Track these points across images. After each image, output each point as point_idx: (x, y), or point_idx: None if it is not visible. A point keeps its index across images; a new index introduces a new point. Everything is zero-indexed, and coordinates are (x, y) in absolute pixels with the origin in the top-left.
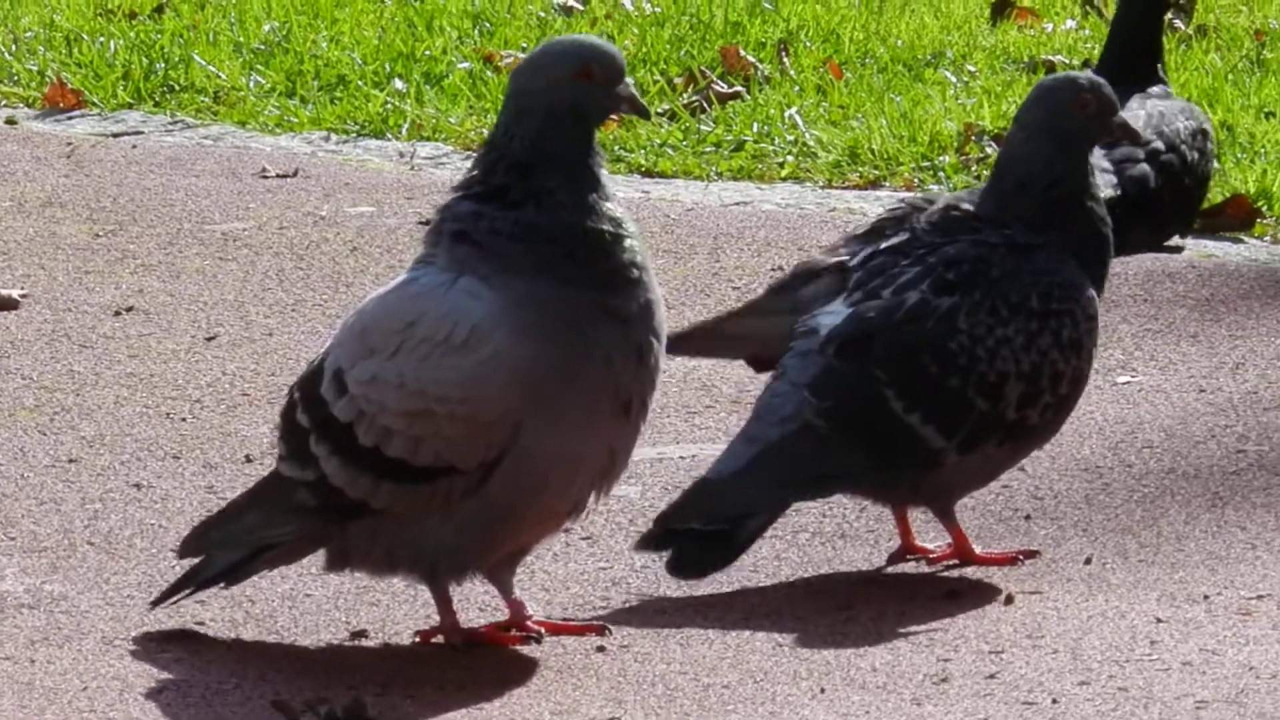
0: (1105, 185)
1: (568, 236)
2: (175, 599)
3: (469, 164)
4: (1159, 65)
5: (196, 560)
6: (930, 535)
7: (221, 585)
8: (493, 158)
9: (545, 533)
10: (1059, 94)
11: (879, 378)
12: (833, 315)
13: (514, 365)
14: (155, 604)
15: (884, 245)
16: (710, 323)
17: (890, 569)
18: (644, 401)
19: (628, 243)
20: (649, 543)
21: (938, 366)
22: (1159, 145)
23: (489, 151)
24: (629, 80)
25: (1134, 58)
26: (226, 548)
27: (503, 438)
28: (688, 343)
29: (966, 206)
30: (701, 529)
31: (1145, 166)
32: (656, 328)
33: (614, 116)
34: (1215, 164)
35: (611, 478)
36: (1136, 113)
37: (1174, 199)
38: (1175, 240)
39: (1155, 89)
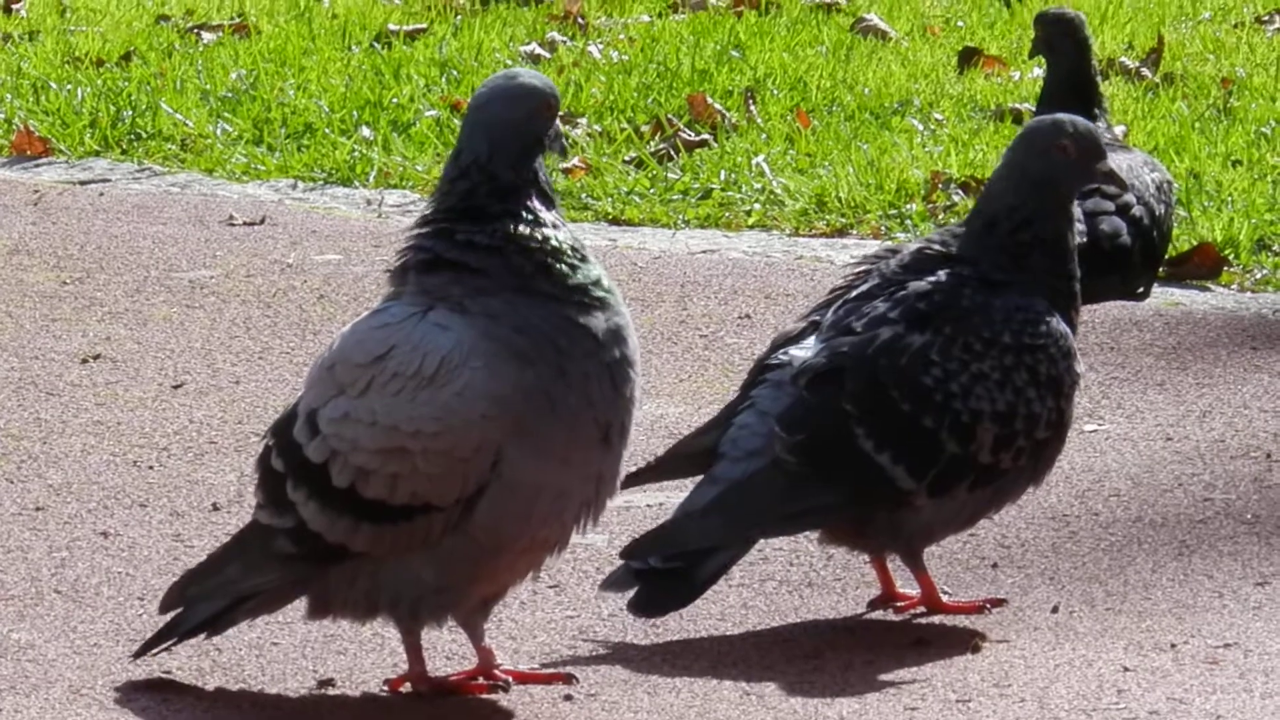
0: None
1: (540, 248)
2: (156, 650)
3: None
4: (1098, 110)
5: (176, 612)
6: (905, 583)
7: (204, 635)
8: (471, 179)
9: (530, 566)
10: (1039, 136)
11: (849, 412)
12: (805, 349)
13: (489, 394)
14: (137, 656)
15: (854, 294)
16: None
17: (858, 617)
18: (624, 426)
19: (592, 263)
20: (613, 584)
21: (910, 404)
22: (1129, 199)
23: (463, 174)
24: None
25: (1070, 104)
26: (207, 599)
27: (481, 471)
28: (667, 465)
29: (938, 246)
30: (662, 566)
31: (1118, 221)
32: (629, 353)
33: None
34: (1174, 215)
35: (598, 507)
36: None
37: (1143, 251)
38: (1140, 290)
39: (1112, 134)
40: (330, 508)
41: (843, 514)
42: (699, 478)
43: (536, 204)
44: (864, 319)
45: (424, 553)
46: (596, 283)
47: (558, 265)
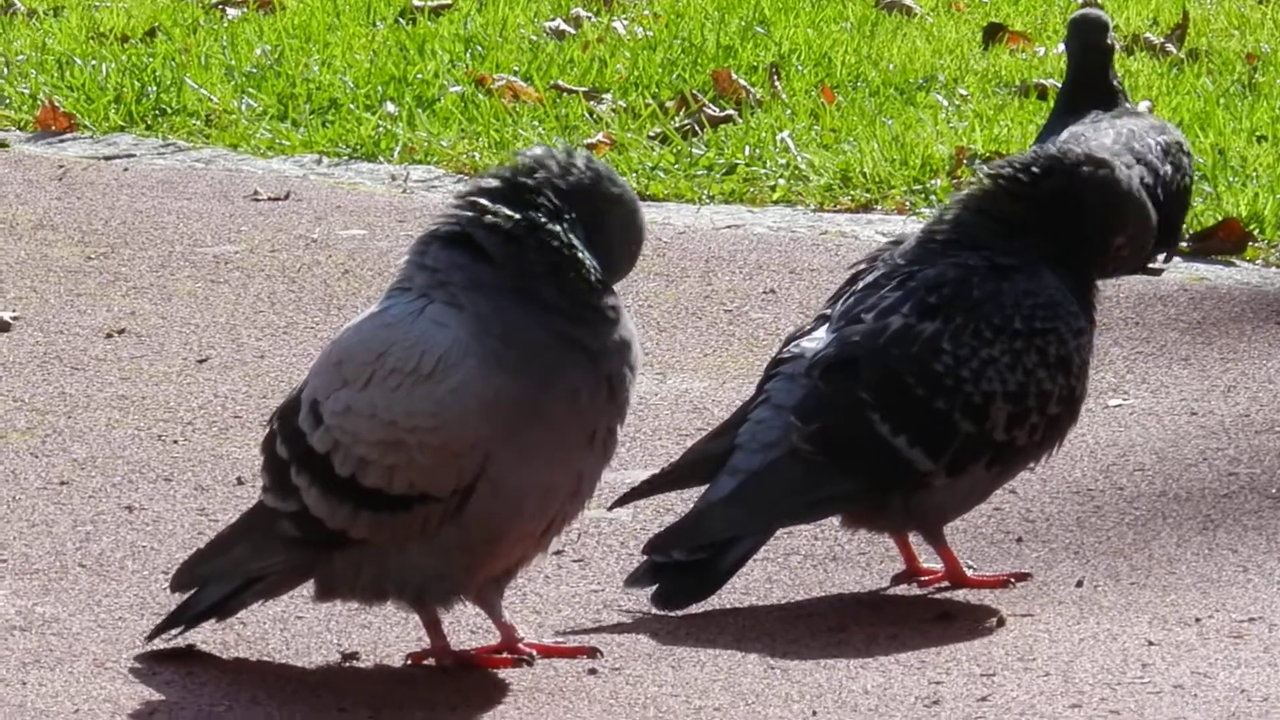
0: None
1: (561, 250)
2: (168, 634)
3: (462, 187)
4: (1118, 86)
5: (189, 593)
6: (928, 558)
7: (215, 619)
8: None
9: (524, 553)
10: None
11: (865, 400)
12: (817, 341)
13: (481, 395)
14: (149, 640)
15: (861, 285)
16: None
17: (882, 591)
18: (611, 430)
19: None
20: (639, 578)
21: (924, 389)
22: (1128, 159)
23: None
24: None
25: (1089, 84)
26: (217, 580)
27: (474, 465)
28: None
29: (943, 231)
30: (685, 559)
31: None
32: (631, 361)
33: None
34: (1190, 178)
35: (580, 500)
36: (1105, 131)
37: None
38: (1159, 261)
39: (1125, 106)
40: (332, 495)
41: (862, 500)
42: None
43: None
44: (874, 310)
45: (423, 542)
46: (610, 307)
47: (570, 275)
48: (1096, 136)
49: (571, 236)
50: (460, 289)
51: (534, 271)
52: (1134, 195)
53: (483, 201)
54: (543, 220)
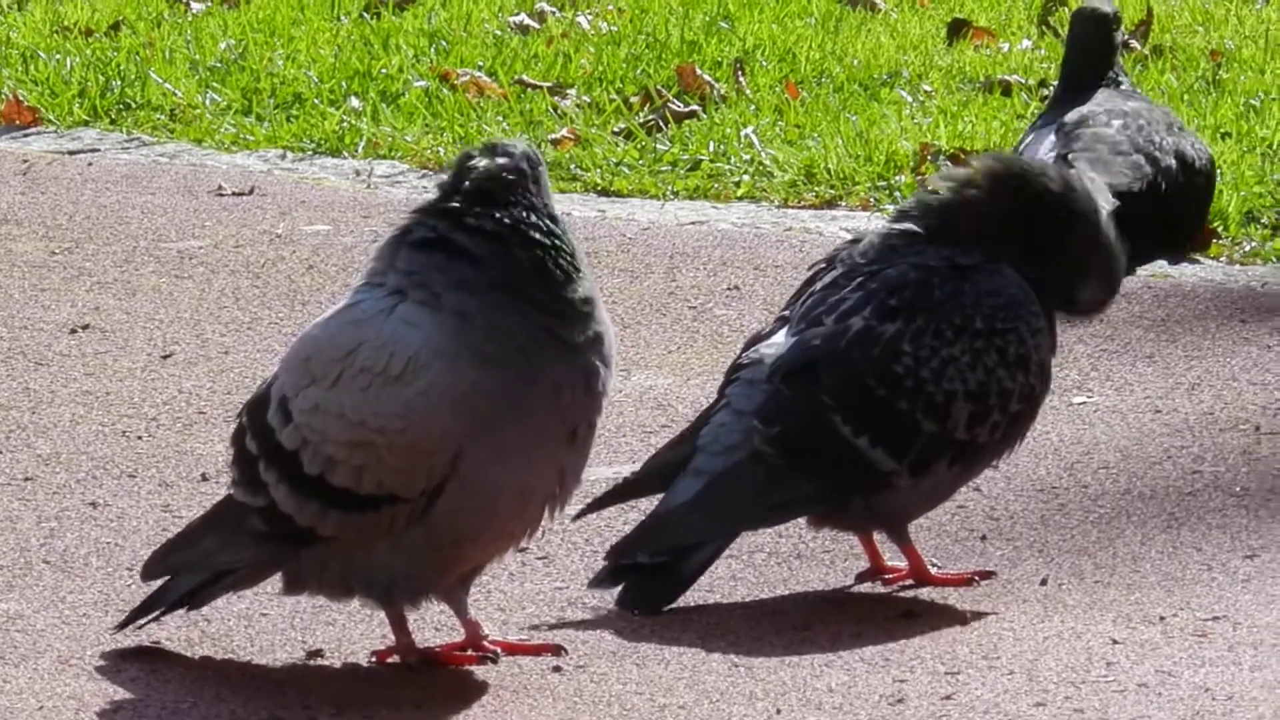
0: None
1: (539, 249)
2: (138, 624)
3: (424, 183)
4: (1117, 63)
5: (159, 583)
6: (893, 556)
7: (185, 609)
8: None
9: (499, 552)
10: None
11: (826, 403)
12: (776, 346)
13: (452, 395)
14: (119, 629)
15: (819, 285)
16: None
17: (846, 589)
18: (590, 424)
19: (584, 273)
20: (603, 580)
21: (885, 390)
22: (1137, 159)
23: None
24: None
25: (1091, 65)
26: (187, 571)
27: (443, 466)
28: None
29: (902, 227)
30: (648, 563)
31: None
32: (606, 355)
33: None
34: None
35: (563, 498)
36: (1111, 122)
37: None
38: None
39: (1124, 84)
40: (300, 492)
41: (825, 501)
42: None
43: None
44: (834, 312)
45: (389, 542)
46: (584, 300)
47: (554, 269)
48: (1099, 128)
49: (552, 225)
50: (443, 289)
51: (520, 268)
52: (1087, 212)
53: (460, 205)
54: (523, 215)
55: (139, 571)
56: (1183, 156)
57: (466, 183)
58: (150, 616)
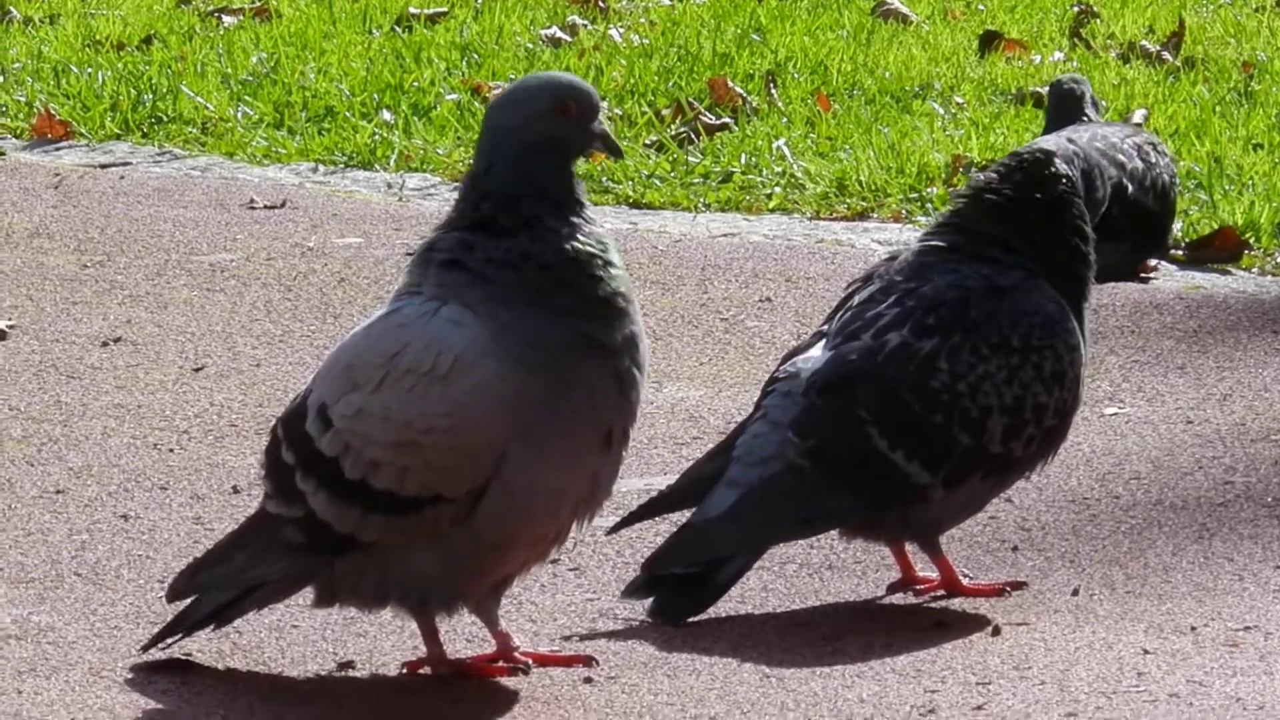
0: None
1: (560, 264)
2: (165, 644)
3: (455, 196)
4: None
5: (186, 602)
6: (924, 566)
7: (212, 627)
8: (477, 192)
9: (532, 560)
10: None
11: (862, 417)
12: (814, 360)
13: (499, 394)
14: (145, 649)
15: (857, 300)
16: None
17: (877, 600)
18: (625, 431)
19: (615, 271)
20: (636, 590)
21: (921, 404)
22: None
23: (472, 186)
24: (604, 118)
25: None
26: (216, 588)
27: (488, 466)
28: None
29: (936, 243)
30: (681, 573)
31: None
32: (639, 359)
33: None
34: (1168, 175)
35: (594, 505)
36: (1076, 133)
37: (1124, 211)
38: (1153, 262)
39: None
40: (340, 498)
41: (859, 514)
42: None
43: (550, 218)
44: (872, 328)
45: (429, 546)
46: (616, 294)
47: (579, 279)
48: (1058, 138)
49: (561, 244)
50: (478, 302)
51: (542, 287)
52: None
53: (465, 238)
54: (528, 243)
55: (165, 593)
56: (1146, 158)
57: (461, 210)
58: (176, 637)
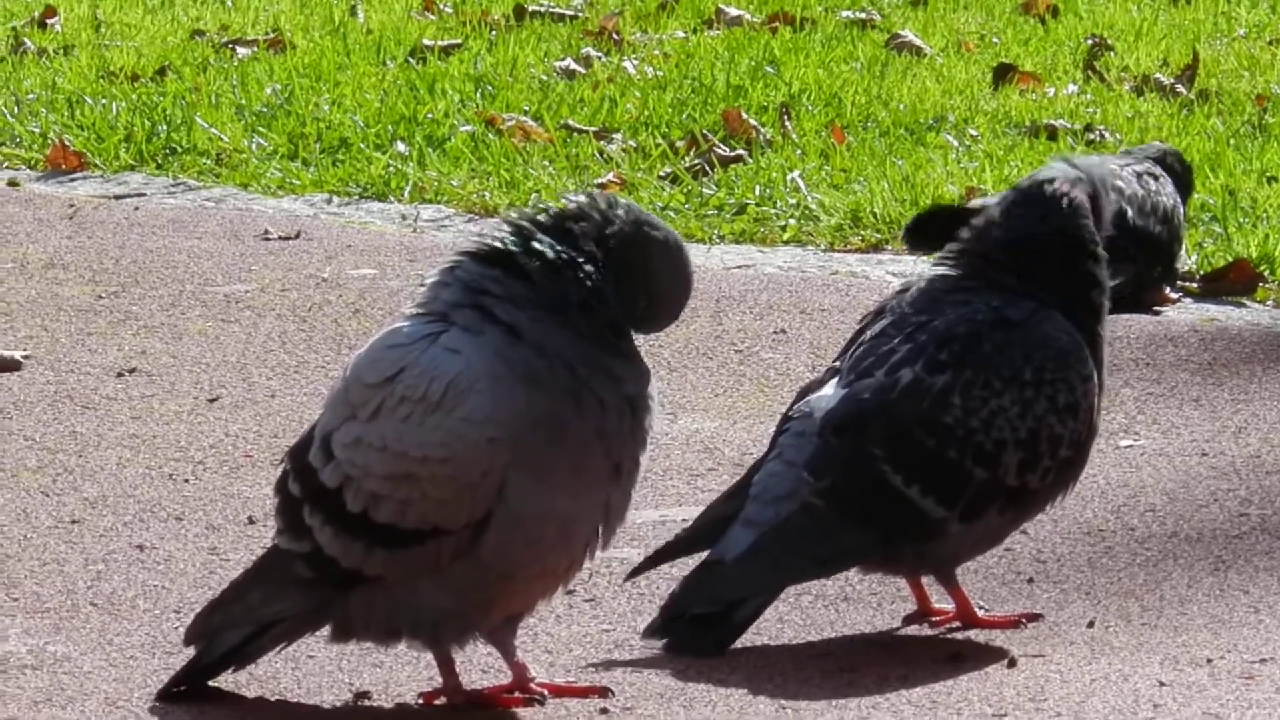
0: None
1: (591, 287)
2: (182, 688)
3: (473, 226)
4: None
5: (203, 645)
6: (940, 598)
7: (231, 669)
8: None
9: (546, 590)
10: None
11: (876, 455)
12: (827, 399)
13: (494, 418)
14: (161, 695)
15: (868, 335)
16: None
17: (893, 631)
18: (635, 460)
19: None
20: (654, 631)
21: (935, 440)
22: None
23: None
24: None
25: None
26: (231, 629)
27: (488, 496)
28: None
29: (949, 272)
30: (700, 613)
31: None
32: (650, 393)
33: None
34: (1171, 200)
35: (607, 535)
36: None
37: (1125, 237)
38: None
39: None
40: (344, 533)
41: (876, 551)
42: None
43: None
44: (884, 365)
45: (436, 578)
46: (629, 345)
47: (597, 313)
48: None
49: (603, 284)
50: (495, 300)
51: (569, 300)
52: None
53: (529, 227)
54: (581, 261)
55: (183, 638)
56: (1146, 185)
57: (543, 214)
58: (193, 681)
